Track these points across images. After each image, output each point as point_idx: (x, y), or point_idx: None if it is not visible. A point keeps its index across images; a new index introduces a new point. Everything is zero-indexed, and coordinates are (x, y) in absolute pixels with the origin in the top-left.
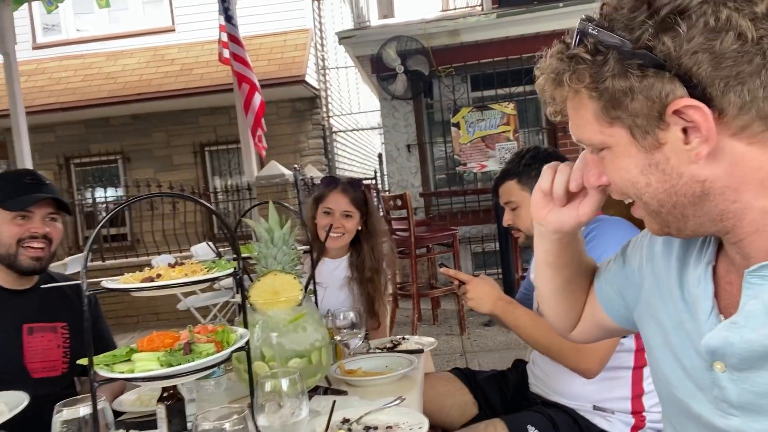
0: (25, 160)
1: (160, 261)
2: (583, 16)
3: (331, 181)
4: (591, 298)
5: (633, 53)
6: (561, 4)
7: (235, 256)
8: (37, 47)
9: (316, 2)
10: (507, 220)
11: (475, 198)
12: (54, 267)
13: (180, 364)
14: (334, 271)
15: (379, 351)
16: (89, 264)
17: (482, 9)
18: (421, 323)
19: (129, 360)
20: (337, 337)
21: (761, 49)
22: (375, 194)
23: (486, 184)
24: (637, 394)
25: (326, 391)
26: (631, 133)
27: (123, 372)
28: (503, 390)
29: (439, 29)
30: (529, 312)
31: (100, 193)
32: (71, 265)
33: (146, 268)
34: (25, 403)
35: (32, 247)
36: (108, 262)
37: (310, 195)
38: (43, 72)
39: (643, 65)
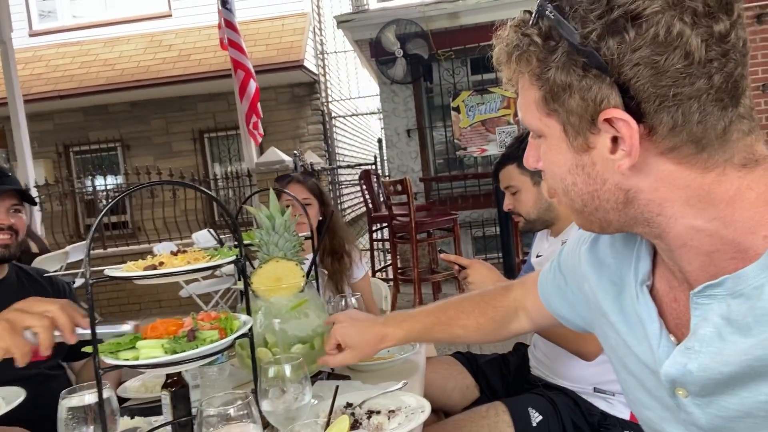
0: (24, 148)
1: (162, 248)
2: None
3: (285, 177)
4: (534, 300)
5: (579, 49)
6: None
7: (236, 242)
8: (33, 34)
9: None
10: (507, 204)
11: (475, 182)
12: (55, 256)
13: (184, 351)
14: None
15: None
16: (91, 252)
17: None
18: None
19: (133, 347)
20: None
21: (707, 72)
22: (375, 179)
23: (486, 168)
24: None
25: (329, 377)
26: (564, 129)
27: (128, 359)
28: (504, 373)
29: (438, 12)
30: None
31: (100, 181)
32: (72, 253)
33: (148, 255)
34: (22, 397)
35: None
36: (110, 250)
37: (282, 180)
38: (40, 59)
39: (587, 64)
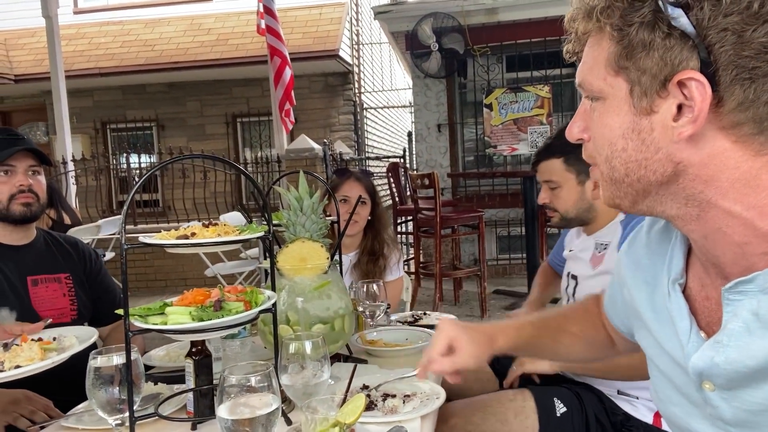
0: (64, 122)
1: (229, 218)
2: None
3: (345, 172)
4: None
5: (669, 8)
6: None
7: (265, 222)
8: (78, 12)
9: None
10: (543, 198)
11: (503, 181)
12: (87, 228)
13: (210, 320)
14: (344, 264)
15: (400, 324)
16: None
17: None
18: (442, 303)
19: (163, 313)
20: (360, 308)
21: None
22: (403, 172)
23: (516, 167)
24: None
25: (347, 359)
26: (631, 89)
27: (156, 324)
28: None
29: (476, 7)
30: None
31: (134, 158)
32: (104, 227)
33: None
34: (95, 337)
35: (22, 198)
36: (140, 226)
37: (342, 173)
38: (84, 36)
39: (673, 24)
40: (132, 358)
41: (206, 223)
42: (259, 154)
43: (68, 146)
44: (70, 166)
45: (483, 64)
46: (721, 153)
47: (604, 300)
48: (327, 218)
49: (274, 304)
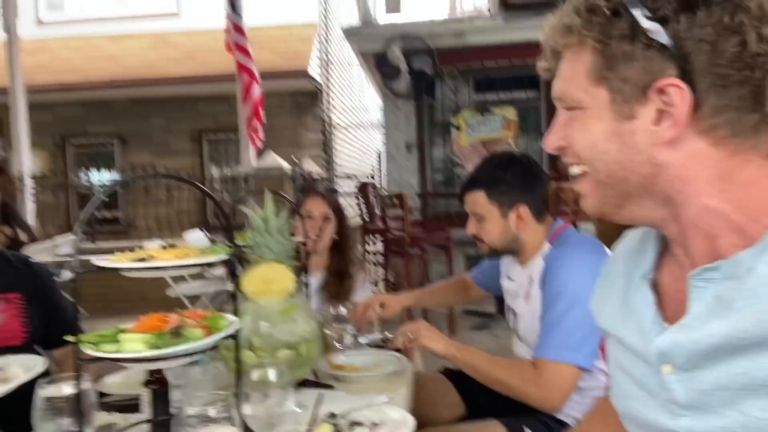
0: (21, 137)
1: (193, 237)
2: None
3: (309, 188)
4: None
5: (646, 22)
6: None
7: (228, 243)
8: (40, 24)
9: None
10: (471, 229)
11: None
12: (44, 247)
13: (167, 347)
14: (311, 285)
15: (369, 347)
16: (80, 246)
17: (490, 13)
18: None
19: (116, 340)
20: (327, 331)
21: (755, 64)
22: (373, 192)
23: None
24: None
25: (314, 385)
26: (612, 97)
27: (109, 352)
28: (493, 394)
29: (445, 30)
30: (481, 352)
31: (95, 175)
32: (62, 245)
33: (137, 248)
34: (40, 366)
35: None
36: (99, 244)
37: (307, 190)
38: (45, 50)
39: (651, 37)
40: (83, 387)
41: (164, 245)
42: (225, 172)
43: (26, 162)
44: (28, 182)
45: (451, 85)
46: (699, 154)
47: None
48: (294, 239)
49: (238, 331)
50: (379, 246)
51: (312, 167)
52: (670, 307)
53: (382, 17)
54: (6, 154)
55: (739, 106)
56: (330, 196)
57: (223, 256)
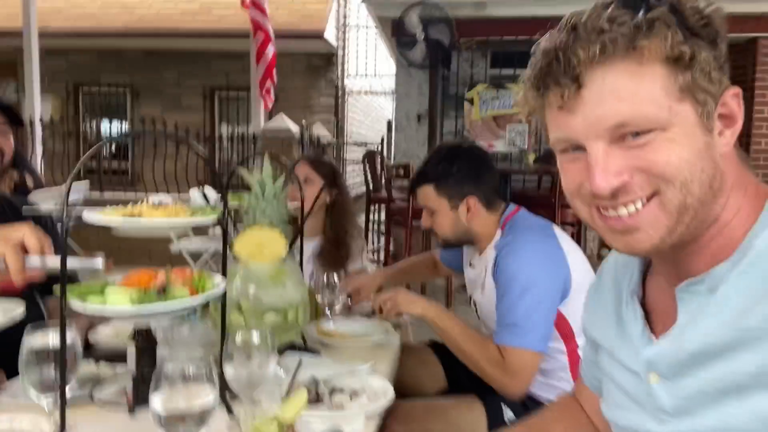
0: (34, 83)
1: (157, 201)
2: None
3: (299, 157)
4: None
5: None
6: None
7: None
8: None
9: None
10: (425, 222)
11: None
12: (49, 192)
13: (151, 304)
14: (306, 250)
15: (361, 316)
16: (88, 194)
17: None
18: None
19: (102, 293)
20: (319, 297)
21: None
22: (379, 161)
23: (495, 164)
24: None
25: (300, 349)
26: (699, 111)
27: (95, 304)
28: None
29: None
30: (460, 323)
31: (106, 124)
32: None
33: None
34: (20, 309)
35: None
36: (106, 194)
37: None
38: None
39: (720, 51)
40: (68, 339)
41: (157, 203)
42: (236, 130)
43: (37, 107)
44: (38, 128)
45: (467, 58)
46: (729, 158)
47: (580, 368)
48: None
49: (224, 294)
50: (383, 215)
51: (322, 132)
52: (657, 321)
53: None
54: (17, 98)
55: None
56: (317, 160)
57: (211, 218)
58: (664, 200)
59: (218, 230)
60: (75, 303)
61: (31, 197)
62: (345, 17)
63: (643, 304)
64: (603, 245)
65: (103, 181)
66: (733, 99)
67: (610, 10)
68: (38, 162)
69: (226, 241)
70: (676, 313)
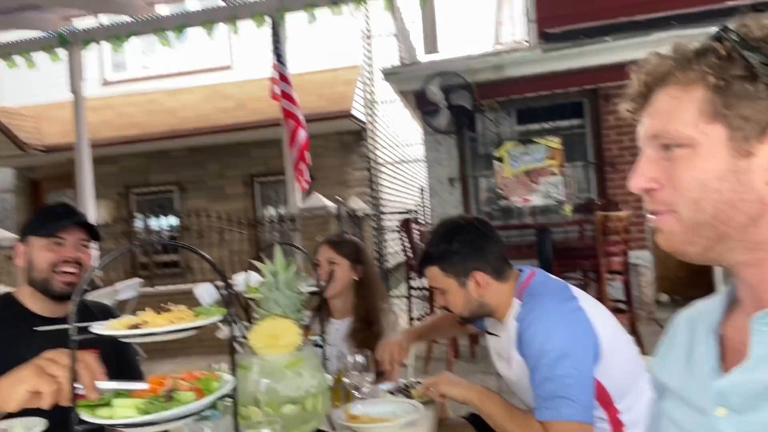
0: (87, 189)
1: (203, 291)
2: (722, 26)
3: (320, 241)
4: None
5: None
6: (609, 38)
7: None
8: (106, 83)
9: (366, 39)
10: (439, 302)
11: (517, 233)
12: (104, 292)
13: (157, 412)
14: (338, 330)
15: (390, 394)
16: (140, 290)
17: (528, 44)
18: (457, 360)
19: (110, 405)
20: (346, 380)
21: None
22: (416, 227)
23: (533, 219)
24: None
25: None
26: (731, 135)
27: (104, 417)
28: None
29: (484, 64)
30: (504, 403)
31: (155, 221)
32: (122, 291)
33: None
34: (42, 427)
35: (65, 272)
36: (158, 288)
37: (353, 227)
38: (110, 107)
39: None
40: None
41: (159, 309)
42: (278, 212)
43: (92, 211)
44: None
45: (492, 118)
46: None
47: (647, 428)
48: (306, 289)
49: (235, 390)
50: (424, 281)
51: (358, 204)
52: (731, 357)
53: (421, 57)
54: (75, 205)
55: None
56: (337, 241)
57: (217, 318)
58: (678, 215)
59: None
60: (84, 415)
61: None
62: (372, 93)
63: (721, 342)
64: (659, 289)
65: (153, 275)
66: None
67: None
68: (95, 262)
69: (233, 337)
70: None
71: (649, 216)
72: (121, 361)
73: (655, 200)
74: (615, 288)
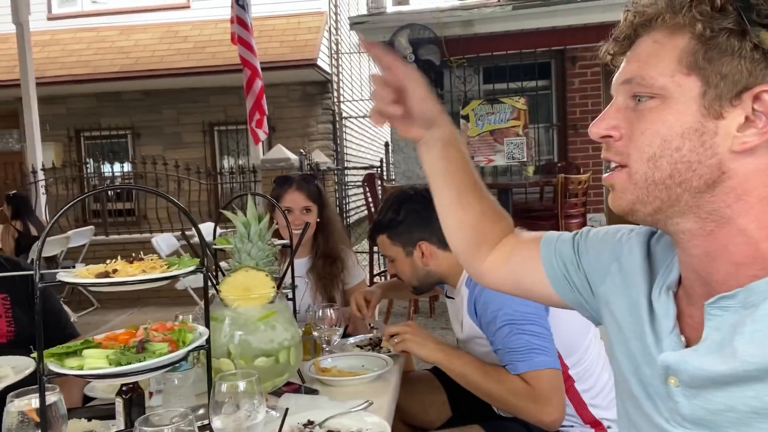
0: (34, 130)
1: (161, 240)
2: None
3: (285, 181)
4: (530, 254)
5: (763, 25)
6: None
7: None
8: (52, 18)
9: None
10: (390, 270)
11: None
12: (55, 239)
13: (129, 363)
14: (298, 268)
15: (359, 348)
16: (93, 238)
17: (498, 0)
18: (417, 315)
19: (80, 354)
20: (316, 333)
21: None
22: (379, 183)
23: (496, 178)
24: (581, 408)
25: (298, 389)
26: (704, 91)
27: (72, 367)
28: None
29: (453, 19)
30: (473, 360)
31: (107, 167)
32: (74, 238)
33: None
34: (32, 368)
35: None
36: (111, 237)
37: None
38: (57, 43)
39: (761, 43)
40: (52, 400)
41: (130, 259)
42: (238, 163)
43: (38, 154)
44: (40, 175)
45: (460, 75)
46: (764, 170)
47: (546, 244)
48: (277, 243)
49: (208, 341)
50: None
51: (321, 158)
52: (686, 330)
53: (390, 7)
54: (20, 146)
55: None
56: (306, 185)
57: (191, 268)
58: (631, 170)
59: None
60: (53, 365)
61: (35, 246)
62: (338, 44)
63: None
64: None
65: (107, 223)
66: (758, 99)
67: None
68: (42, 209)
69: (207, 289)
70: (701, 328)
71: (604, 176)
72: (48, 313)
73: (611, 149)
74: None
